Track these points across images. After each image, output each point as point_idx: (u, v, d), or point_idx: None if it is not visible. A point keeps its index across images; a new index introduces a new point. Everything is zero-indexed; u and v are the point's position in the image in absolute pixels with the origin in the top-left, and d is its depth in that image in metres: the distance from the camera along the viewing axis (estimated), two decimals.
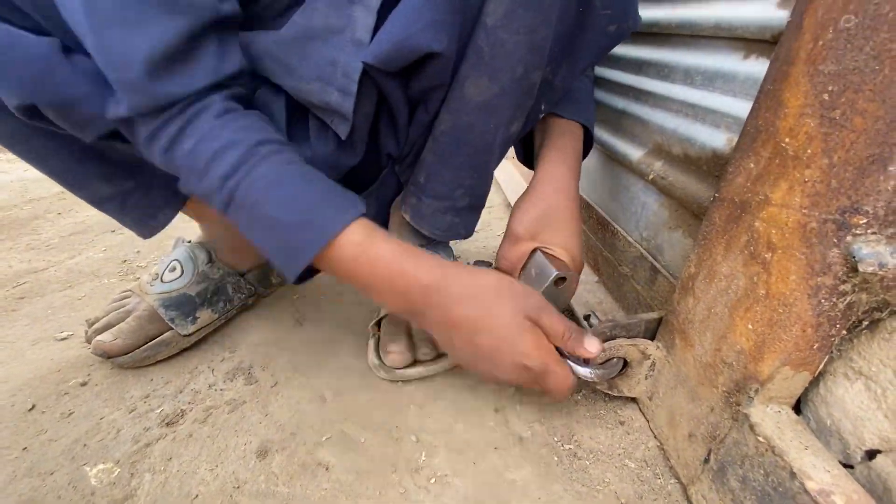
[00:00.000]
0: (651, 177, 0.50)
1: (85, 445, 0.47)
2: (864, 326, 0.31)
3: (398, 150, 0.53)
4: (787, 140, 0.31)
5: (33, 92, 0.36)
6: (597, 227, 0.67)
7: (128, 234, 0.95)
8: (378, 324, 0.59)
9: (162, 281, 0.62)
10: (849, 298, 0.29)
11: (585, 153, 0.55)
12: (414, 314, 0.41)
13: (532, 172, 0.53)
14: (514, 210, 0.51)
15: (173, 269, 0.63)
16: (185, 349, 0.61)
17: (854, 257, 0.27)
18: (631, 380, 0.47)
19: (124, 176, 0.51)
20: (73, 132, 0.40)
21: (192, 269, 0.63)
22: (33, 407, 0.52)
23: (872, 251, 0.27)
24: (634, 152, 0.55)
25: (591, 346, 0.40)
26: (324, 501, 0.40)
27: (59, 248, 0.88)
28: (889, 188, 0.26)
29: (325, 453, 0.45)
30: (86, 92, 0.37)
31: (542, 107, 0.51)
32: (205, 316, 0.61)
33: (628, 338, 0.45)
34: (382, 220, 0.64)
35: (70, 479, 0.44)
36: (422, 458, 0.44)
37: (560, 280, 0.47)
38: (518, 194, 0.53)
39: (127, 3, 0.34)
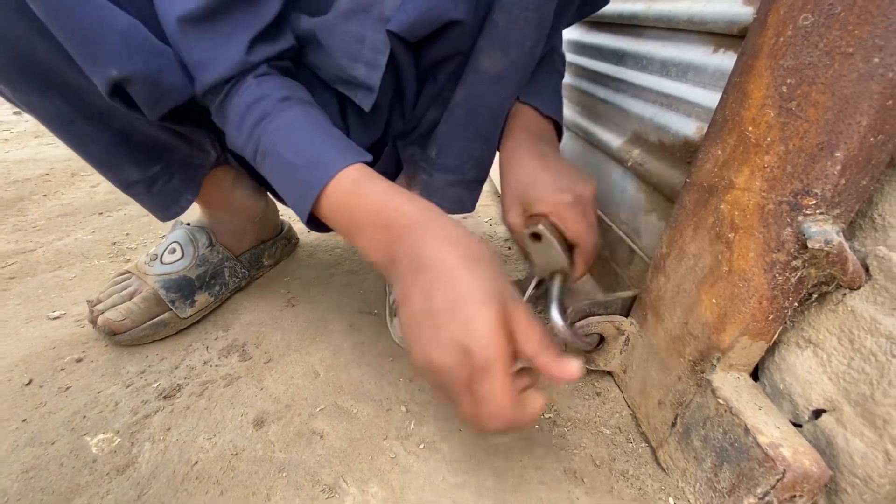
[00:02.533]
0: (629, 163, 0.53)
1: (84, 417, 0.49)
2: (813, 299, 0.34)
3: (402, 127, 0.56)
4: (750, 129, 0.34)
5: (130, 62, 0.40)
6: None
7: (116, 216, 0.95)
8: None
9: (162, 262, 0.63)
10: (800, 273, 0.32)
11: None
12: (391, 256, 0.37)
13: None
14: (501, 203, 0.53)
15: (173, 251, 0.64)
16: (162, 339, 0.62)
17: (804, 235, 0.30)
18: (607, 354, 0.50)
19: (152, 162, 0.54)
20: (145, 107, 0.43)
21: (192, 251, 0.64)
22: (30, 382, 0.53)
23: (820, 229, 0.30)
24: (614, 140, 0.58)
25: (571, 367, 0.31)
26: (319, 466, 0.43)
27: (46, 230, 0.88)
28: (835, 172, 0.29)
29: (319, 423, 0.47)
30: (168, 63, 0.42)
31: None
32: (202, 299, 0.63)
33: (605, 314, 0.48)
34: None
35: (71, 448, 0.45)
36: (411, 427, 0.47)
37: (534, 237, 0.46)
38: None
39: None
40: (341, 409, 0.49)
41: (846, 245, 0.30)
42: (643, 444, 0.45)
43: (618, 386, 0.51)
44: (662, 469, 0.42)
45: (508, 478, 0.41)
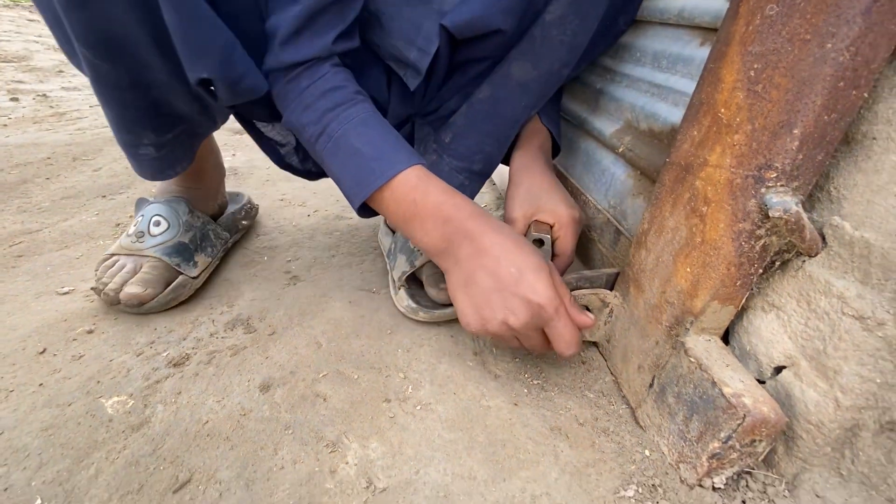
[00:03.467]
0: (621, 149, 0.56)
1: (98, 382, 0.51)
2: (776, 267, 0.38)
3: (423, 107, 0.61)
4: (722, 110, 0.37)
5: (220, 70, 0.46)
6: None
7: (119, 199, 0.96)
8: (407, 280, 0.64)
9: (151, 235, 0.66)
10: (763, 241, 0.35)
11: (555, 152, 0.66)
12: (447, 244, 0.46)
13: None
14: (506, 199, 0.59)
15: (158, 224, 0.67)
16: (184, 303, 0.65)
17: (766, 205, 0.34)
18: (592, 326, 0.53)
19: (169, 129, 0.59)
20: (222, 97, 0.49)
21: (176, 220, 0.68)
22: (44, 350, 0.55)
23: (780, 200, 0.33)
24: (608, 127, 0.61)
25: (589, 317, 0.45)
26: (322, 425, 0.46)
27: (50, 211, 0.89)
28: (794, 148, 0.32)
29: (322, 387, 0.50)
30: (249, 68, 0.48)
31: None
32: (202, 260, 0.67)
33: (590, 288, 0.51)
34: None
35: (87, 409, 0.48)
36: (409, 391, 0.50)
37: (538, 242, 0.53)
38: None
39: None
40: (343, 376, 0.52)
41: (804, 214, 0.33)
42: (623, 406, 0.48)
43: (602, 355, 0.55)
44: (640, 426, 0.45)
45: (498, 433, 0.45)
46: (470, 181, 0.60)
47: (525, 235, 0.55)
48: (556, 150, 0.67)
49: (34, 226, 0.84)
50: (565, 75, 0.54)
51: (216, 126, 0.66)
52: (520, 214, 0.55)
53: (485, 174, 0.61)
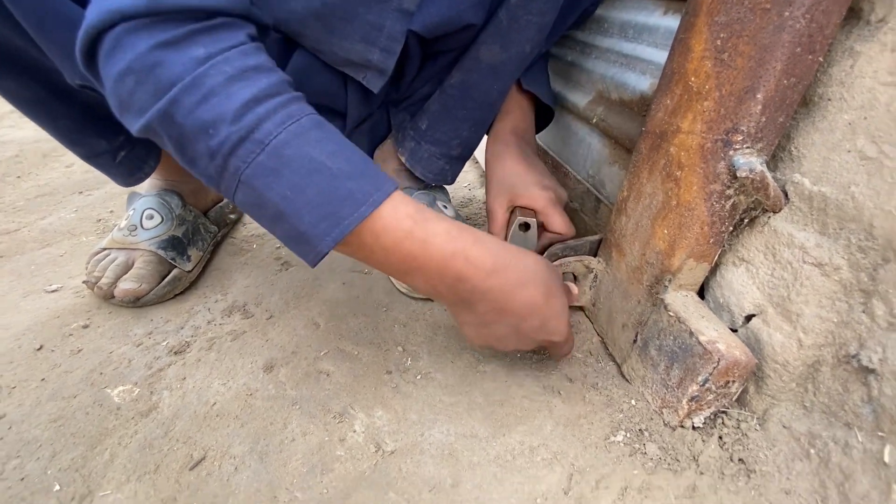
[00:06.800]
0: (594, 120, 0.58)
1: (101, 374, 0.52)
2: (745, 224, 0.41)
3: (396, 96, 0.60)
4: (692, 79, 0.39)
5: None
6: (552, 170, 0.75)
7: (96, 195, 0.95)
8: None
9: (144, 229, 0.66)
10: (732, 200, 0.38)
11: (547, 118, 0.66)
12: (459, 299, 0.39)
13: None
14: (486, 192, 0.59)
15: (151, 217, 0.67)
16: (178, 294, 0.65)
17: (734, 166, 0.36)
18: (579, 291, 0.56)
19: (116, 132, 0.56)
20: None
21: (168, 214, 0.68)
22: (41, 347, 0.56)
23: (746, 161, 0.36)
24: (581, 99, 0.63)
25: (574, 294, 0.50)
26: (328, 398, 0.48)
27: (26, 210, 0.87)
28: (757, 111, 0.35)
29: (324, 364, 0.52)
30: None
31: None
32: (194, 254, 0.67)
33: (576, 256, 0.54)
34: (370, 156, 0.73)
35: (94, 400, 0.49)
36: (408, 362, 0.52)
37: (524, 226, 0.55)
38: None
39: None
40: (344, 352, 0.54)
41: (768, 173, 0.36)
42: (610, 363, 0.52)
43: (588, 318, 0.58)
44: (626, 380, 0.49)
45: (495, 395, 0.48)
46: (451, 165, 0.62)
47: (510, 221, 0.56)
48: (548, 114, 0.66)
49: (12, 226, 0.82)
50: (535, 53, 0.55)
51: None
52: (498, 205, 0.56)
53: (464, 157, 0.62)
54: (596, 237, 0.54)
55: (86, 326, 0.59)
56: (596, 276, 0.55)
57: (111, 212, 0.88)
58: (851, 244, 0.33)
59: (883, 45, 0.31)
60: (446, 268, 0.36)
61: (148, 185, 0.72)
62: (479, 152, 1.11)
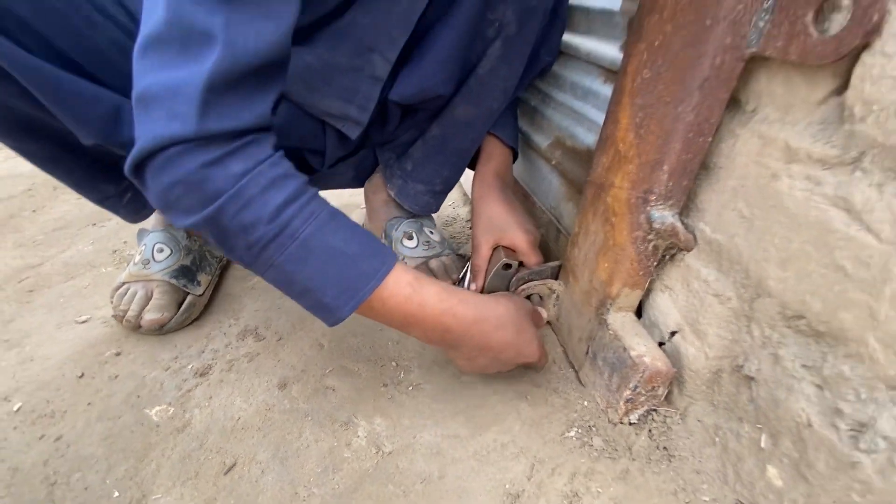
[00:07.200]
0: (553, 162, 0.68)
1: (139, 396, 0.61)
2: (667, 259, 0.51)
3: (381, 139, 0.70)
4: (621, 145, 0.49)
5: (106, 137, 0.48)
6: (523, 199, 0.85)
7: (109, 226, 1.02)
8: None
9: (156, 261, 0.74)
10: (653, 243, 0.48)
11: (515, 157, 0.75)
12: (448, 344, 0.49)
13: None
14: (472, 226, 0.69)
15: (161, 251, 0.75)
16: (195, 319, 0.74)
17: (651, 219, 0.46)
18: (545, 309, 0.66)
19: (122, 176, 0.63)
20: (120, 153, 0.50)
21: (176, 246, 0.76)
22: (82, 375, 0.64)
23: (660, 215, 0.46)
24: (543, 142, 0.73)
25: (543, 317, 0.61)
26: (335, 410, 0.58)
27: (46, 244, 0.95)
28: (665, 178, 0.44)
29: (330, 380, 0.62)
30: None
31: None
32: (203, 278, 0.76)
33: (539, 280, 0.64)
34: (360, 185, 0.84)
35: (136, 419, 0.58)
36: (401, 375, 0.62)
37: (507, 266, 0.64)
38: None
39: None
40: (346, 369, 0.64)
41: (678, 224, 0.46)
42: (570, 370, 0.62)
43: (553, 332, 0.68)
44: (582, 384, 0.59)
45: (474, 400, 0.57)
46: (435, 198, 0.72)
47: (492, 257, 0.66)
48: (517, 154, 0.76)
49: (35, 260, 0.90)
50: (503, 107, 0.65)
51: None
52: (484, 241, 0.65)
53: (447, 191, 0.72)
54: (556, 263, 0.64)
55: (118, 354, 0.68)
56: (558, 297, 0.65)
57: (125, 242, 0.96)
58: (737, 281, 0.43)
59: (752, 132, 0.40)
60: (438, 322, 0.46)
61: (154, 221, 0.80)
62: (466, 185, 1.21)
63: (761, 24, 0.36)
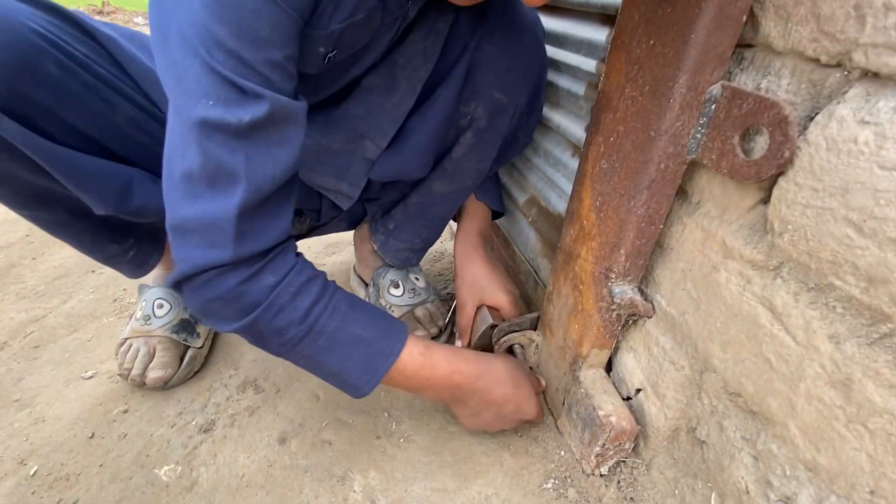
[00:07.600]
0: (530, 219, 0.72)
1: (147, 455, 0.65)
2: (630, 324, 0.55)
3: (367, 196, 0.75)
4: (585, 223, 0.53)
5: (118, 207, 0.54)
6: (504, 246, 0.90)
7: (108, 273, 1.06)
8: None
9: (157, 317, 0.78)
10: (616, 311, 0.53)
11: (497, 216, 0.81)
12: (456, 400, 0.56)
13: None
14: (455, 285, 0.74)
15: (161, 306, 0.79)
16: (197, 371, 0.78)
17: (612, 293, 0.51)
18: (525, 357, 0.71)
19: (126, 236, 0.70)
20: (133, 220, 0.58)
21: (175, 301, 0.80)
22: (93, 435, 0.68)
23: (620, 289, 0.50)
24: (521, 197, 0.77)
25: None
26: (332, 464, 0.62)
27: (48, 295, 0.98)
28: (622, 259, 0.49)
29: (327, 434, 0.66)
30: (147, 200, 0.55)
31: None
32: (203, 329, 0.80)
33: (520, 331, 0.68)
34: (353, 229, 0.90)
35: (146, 480, 0.62)
36: (393, 427, 0.67)
37: (493, 327, 0.69)
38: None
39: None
40: (341, 422, 0.68)
41: (637, 297, 0.50)
42: (550, 418, 0.67)
43: None
44: (560, 433, 0.64)
45: (461, 452, 0.62)
46: (415, 254, 0.78)
47: (476, 315, 0.71)
48: (499, 213, 0.81)
49: (38, 312, 0.93)
50: (478, 183, 0.70)
51: None
52: (469, 300, 0.71)
53: (426, 248, 0.78)
54: (535, 314, 0.69)
55: (125, 411, 0.72)
56: (537, 346, 0.69)
57: (124, 290, 1.00)
58: (688, 353, 0.48)
59: (697, 224, 0.45)
60: (448, 381, 0.53)
61: (154, 276, 0.84)
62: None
63: (699, 135, 0.41)
